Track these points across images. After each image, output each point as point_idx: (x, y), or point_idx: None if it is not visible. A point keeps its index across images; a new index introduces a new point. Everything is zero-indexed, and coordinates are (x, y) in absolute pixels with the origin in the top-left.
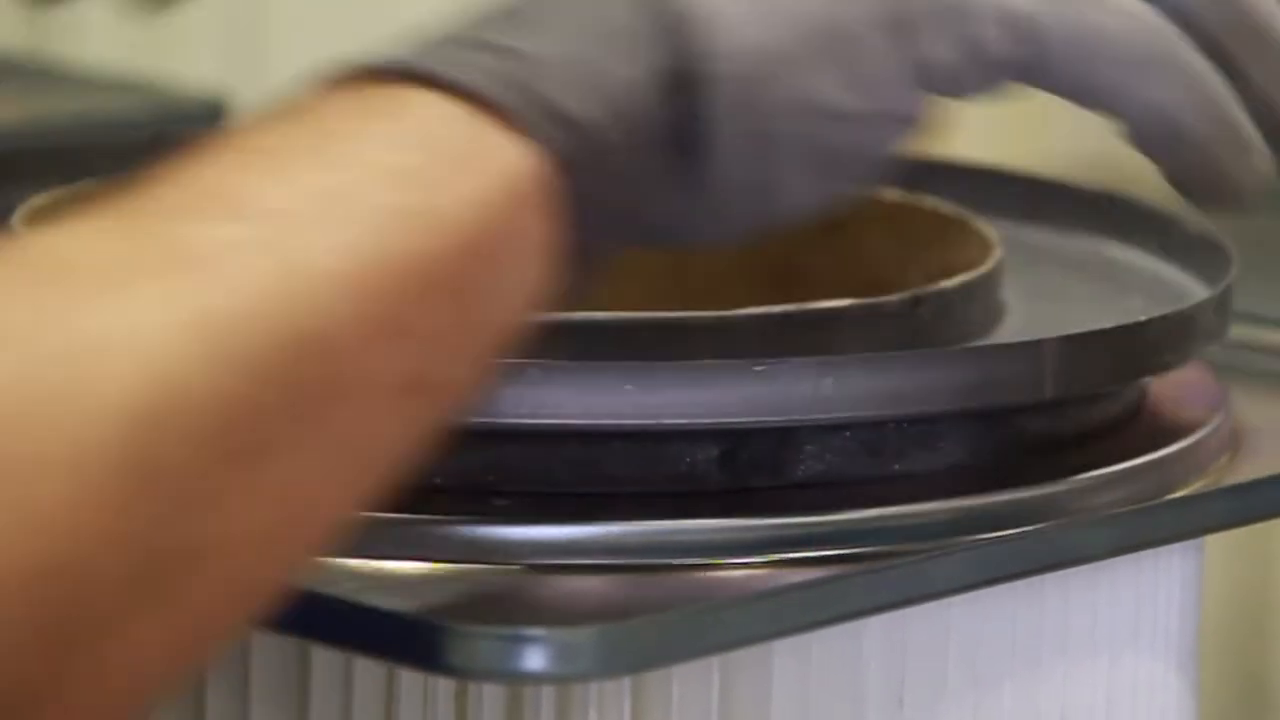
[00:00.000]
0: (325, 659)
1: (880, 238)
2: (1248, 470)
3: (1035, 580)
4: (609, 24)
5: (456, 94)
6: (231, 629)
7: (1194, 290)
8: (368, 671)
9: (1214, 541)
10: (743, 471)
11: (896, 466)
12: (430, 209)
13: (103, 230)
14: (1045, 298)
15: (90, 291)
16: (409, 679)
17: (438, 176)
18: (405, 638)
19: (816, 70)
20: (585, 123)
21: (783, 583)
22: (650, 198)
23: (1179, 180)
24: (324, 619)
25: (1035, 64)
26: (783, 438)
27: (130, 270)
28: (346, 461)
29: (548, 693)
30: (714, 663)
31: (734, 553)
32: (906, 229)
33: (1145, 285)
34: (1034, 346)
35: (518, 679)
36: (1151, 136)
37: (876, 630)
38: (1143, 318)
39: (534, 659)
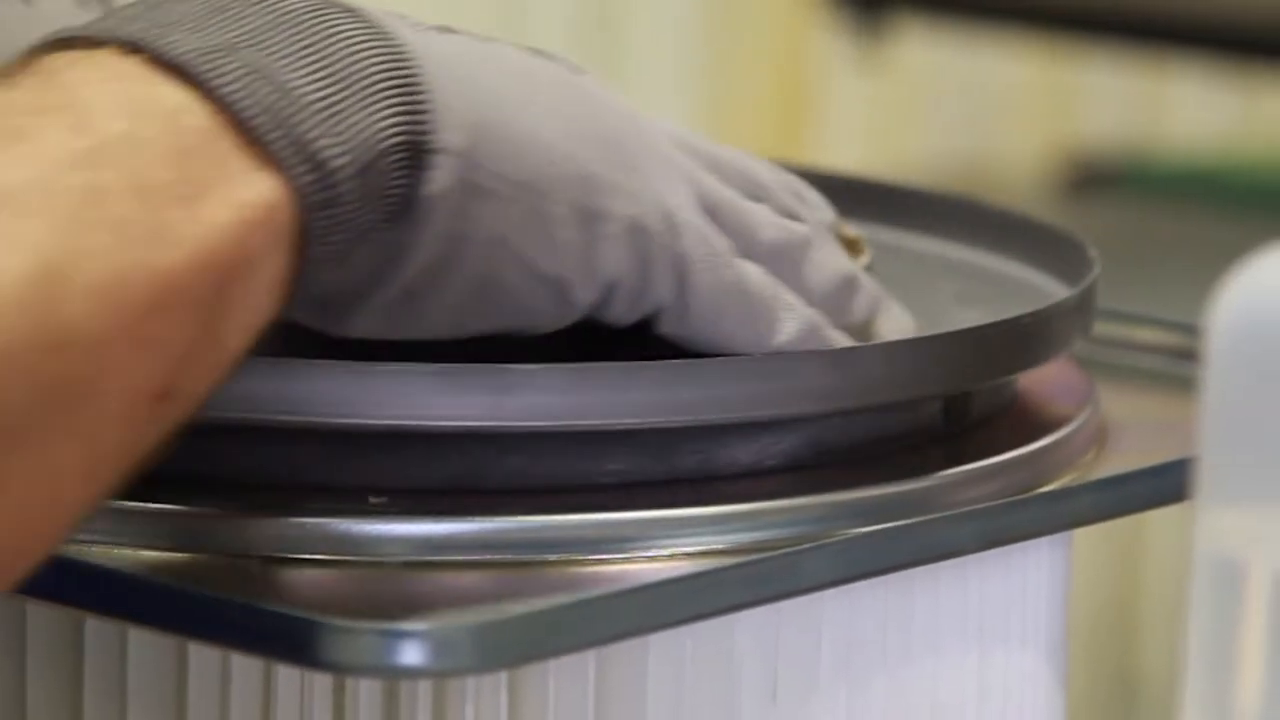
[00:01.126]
0: (202, 656)
1: None
2: (1115, 464)
3: (906, 574)
4: (360, 72)
5: (221, 109)
6: None
7: (1058, 292)
8: (245, 668)
9: (1083, 537)
10: (617, 468)
11: (769, 461)
12: (177, 227)
13: None
14: (913, 300)
15: None
16: (286, 675)
17: (187, 194)
18: (282, 634)
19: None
20: (331, 168)
21: (657, 577)
22: (350, 261)
23: None
24: (201, 616)
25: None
26: (656, 435)
27: None
28: (92, 458)
29: (425, 688)
30: (590, 656)
31: (609, 548)
32: None
33: (1011, 288)
34: (900, 346)
35: (395, 674)
36: None
37: (750, 624)
38: (1007, 316)
39: (411, 654)
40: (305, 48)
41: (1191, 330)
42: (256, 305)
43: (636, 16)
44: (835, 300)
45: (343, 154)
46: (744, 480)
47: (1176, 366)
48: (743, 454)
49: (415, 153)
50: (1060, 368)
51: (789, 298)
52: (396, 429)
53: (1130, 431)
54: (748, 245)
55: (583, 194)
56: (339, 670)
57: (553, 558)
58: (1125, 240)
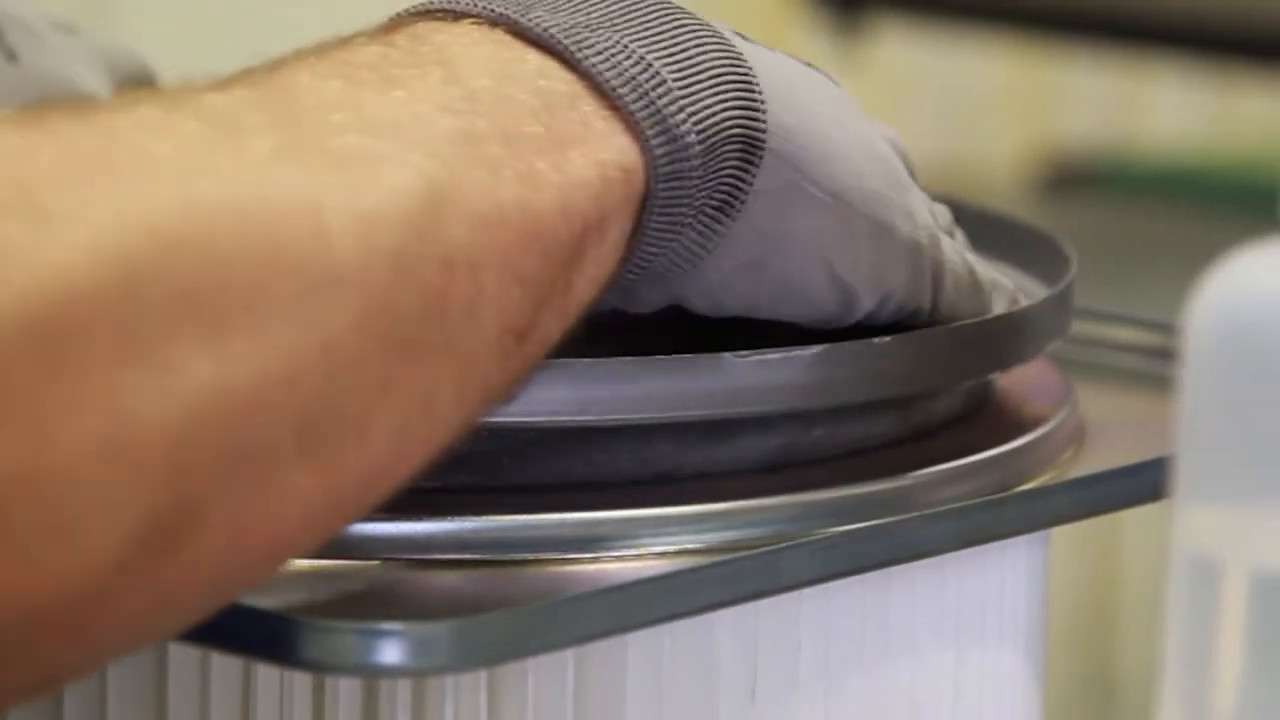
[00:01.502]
0: (182, 655)
1: None
2: (1093, 463)
3: (884, 573)
4: (705, 62)
5: (587, 79)
6: (365, 507)
7: (1037, 292)
8: (224, 667)
9: (1062, 536)
10: (597, 466)
11: (747, 461)
12: (545, 174)
13: (256, 103)
14: None
15: (266, 160)
16: (266, 675)
17: (552, 147)
18: (262, 633)
19: (861, 188)
20: (683, 144)
21: (635, 576)
22: (679, 237)
23: None
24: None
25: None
26: (632, 433)
27: (295, 151)
28: (468, 381)
29: (404, 687)
30: (569, 656)
31: (588, 547)
32: None
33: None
34: (881, 346)
35: (373, 673)
36: None
37: (729, 622)
38: (986, 316)
39: (390, 653)
40: (657, 34)
41: (1169, 330)
42: (604, 261)
43: None
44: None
45: (693, 132)
46: (722, 480)
47: (1154, 366)
48: (721, 453)
49: (749, 147)
50: (1038, 367)
51: (995, 275)
52: None
53: (1108, 431)
54: (951, 233)
55: (877, 209)
56: (318, 669)
57: (531, 557)
58: (1103, 240)
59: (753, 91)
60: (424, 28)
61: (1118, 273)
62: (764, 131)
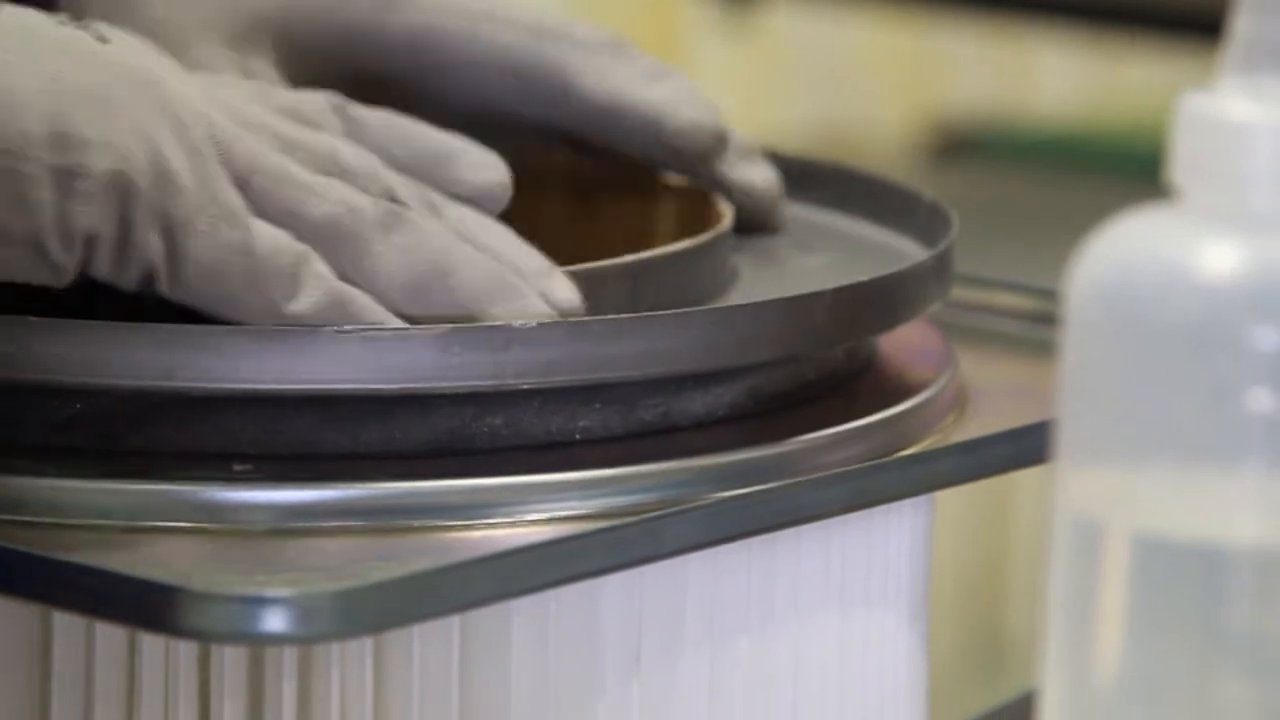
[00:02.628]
0: (66, 623)
1: (614, 208)
2: (975, 428)
3: (769, 536)
4: None
5: None
6: None
7: (919, 255)
8: (109, 636)
9: (951, 499)
10: (470, 432)
11: (634, 425)
12: None
13: None
14: (775, 264)
15: None
16: (150, 642)
17: None
18: (146, 601)
19: None
20: None
21: (520, 542)
22: None
23: None
24: (64, 583)
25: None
26: (514, 399)
27: None
28: None
29: (290, 654)
30: (454, 622)
31: (472, 513)
32: (643, 199)
33: (873, 252)
34: (760, 308)
35: (258, 640)
36: None
37: (614, 588)
38: (865, 278)
39: (274, 621)
40: None
41: (1051, 295)
42: None
43: None
44: (420, 285)
45: None
46: (605, 445)
47: (1037, 331)
48: (609, 418)
49: None
50: (919, 332)
51: (319, 268)
52: (254, 393)
53: (990, 395)
54: (287, 217)
55: (57, 151)
56: (203, 638)
57: (416, 524)
58: (987, 206)
59: None
60: None
61: (1002, 238)
62: None
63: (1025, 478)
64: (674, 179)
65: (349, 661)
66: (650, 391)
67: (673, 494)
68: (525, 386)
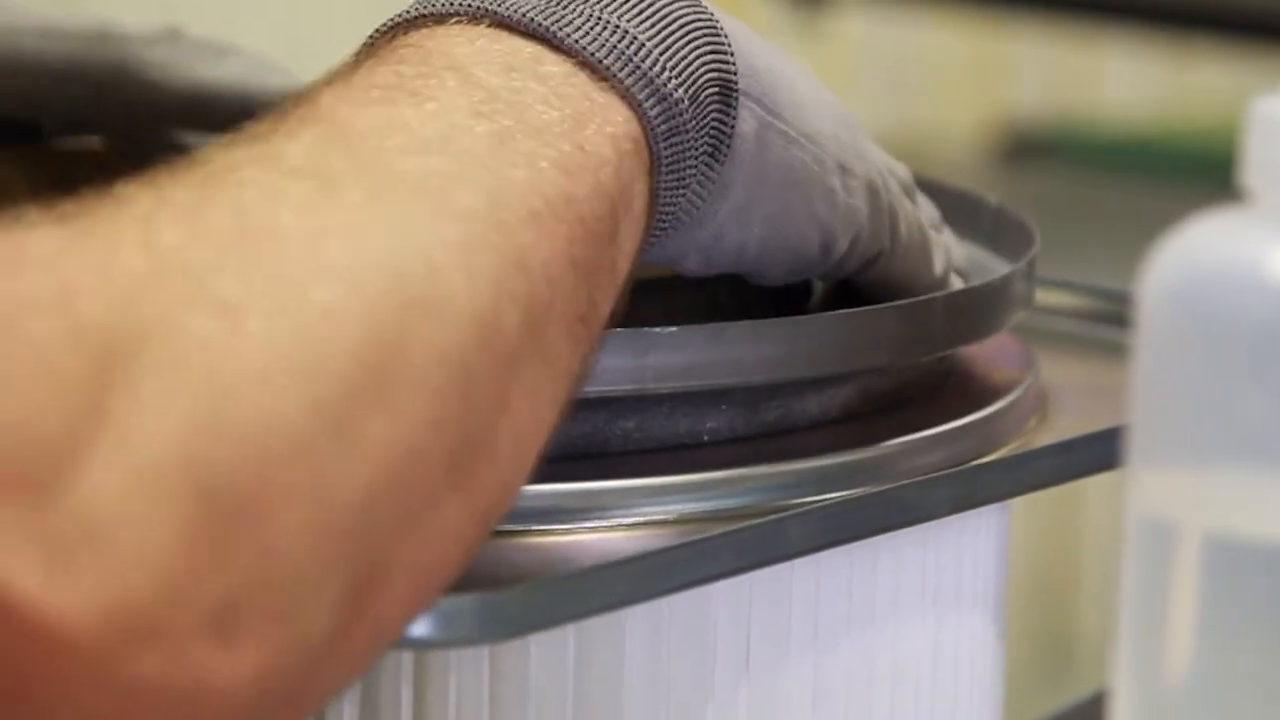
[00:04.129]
0: None
1: None
2: (1064, 429)
3: (870, 540)
4: (674, 14)
5: (574, 57)
6: (495, 524)
7: (995, 265)
8: None
9: (1020, 502)
10: (602, 436)
11: (756, 426)
12: (574, 158)
13: (323, 148)
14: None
15: (364, 209)
16: None
17: (570, 130)
18: None
19: (826, 129)
20: (672, 101)
21: (655, 546)
22: (686, 191)
23: None
24: None
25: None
26: (646, 402)
27: (361, 191)
28: (556, 378)
29: (407, 659)
30: (569, 627)
31: (588, 516)
32: None
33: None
34: (879, 313)
35: (402, 645)
36: None
37: (724, 591)
38: (959, 289)
39: (417, 625)
40: (629, 1)
41: (1122, 297)
42: (634, 233)
43: None
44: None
45: (679, 88)
46: (721, 447)
47: (1107, 332)
48: (735, 420)
49: (726, 92)
50: (998, 335)
51: (937, 235)
52: None
53: (1068, 397)
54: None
55: (841, 151)
56: None
57: (547, 527)
58: (1057, 209)
59: (720, 37)
60: (416, 36)
61: (1072, 241)
62: (736, 74)
63: (1094, 478)
64: None
65: (465, 667)
66: (773, 393)
67: (777, 496)
68: (664, 390)
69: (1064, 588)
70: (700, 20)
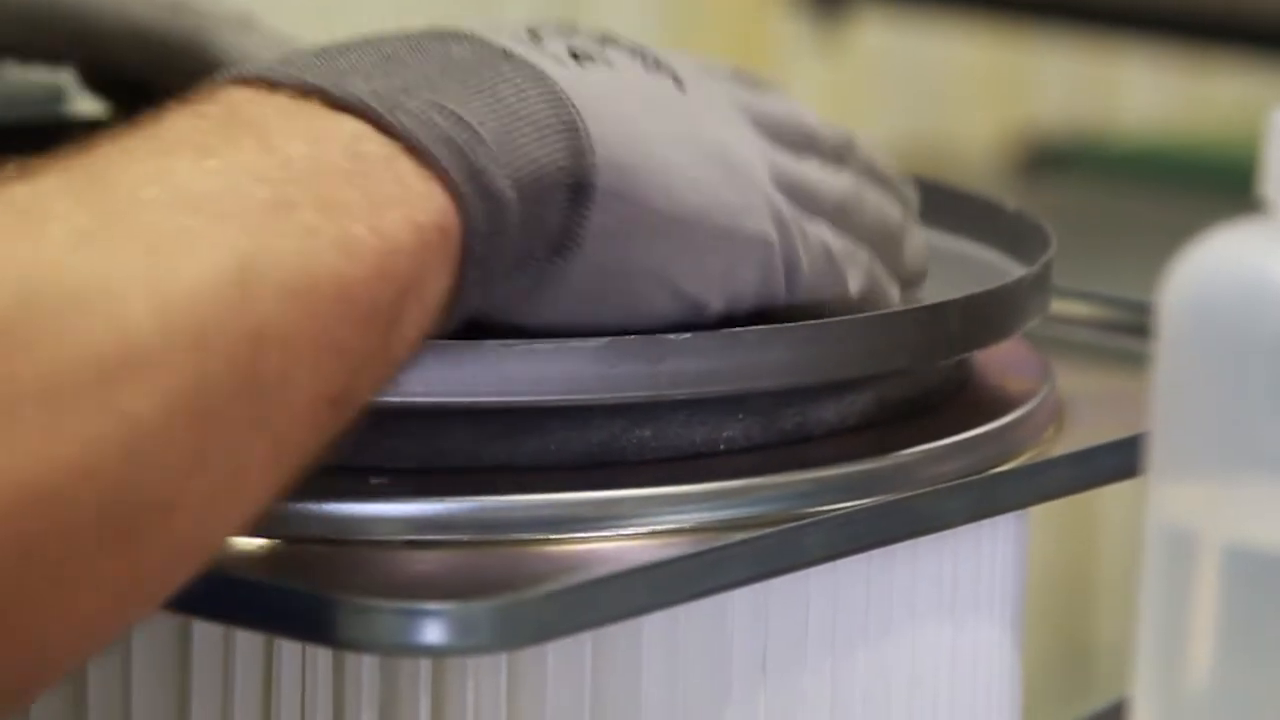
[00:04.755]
0: (204, 632)
1: None
2: (1080, 438)
3: (887, 547)
4: (527, 112)
5: (401, 141)
6: (175, 585)
7: (1012, 270)
8: (247, 646)
9: (1038, 510)
10: (619, 445)
11: (773, 434)
12: (361, 240)
13: (62, 188)
14: None
15: (65, 246)
16: (289, 653)
17: (368, 212)
18: (300, 613)
19: (690, 180)
20: (501, 199)
21: (674, 554)
22: (508, 278)
23: None
24: (239, 598)
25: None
26: (663, 410)
27: (99, 234)
28: (276, 452)
29: (425, 667)
30: (587, 634)
31: (605, 525)
32: None
33: (966, 266)
34: (897, 317)
35: (419, 653)
36: None
37: (741, 598)
38: (982, 289)
39: (433, 633)
40: (475, 90)
41: (1141, 307)
42: (421, 321)
43: (597, 2)
44: (885, 248)
45: (512, 187)
46: (737, 455)
47: (1127, 343)
48: (751, 428)
49: (579, 189)
50: (1013, 345)
51: (858, 252)
52: (410, 407)
53: (1084, 406)
54: (817, 209)
55: (721, 218)
56: (359, 649)
57: (563, 535)
58: (1077, 219)
59: (578, 136)
60: (238, 97)
61: (1091, 251)
62: (593, 173)
63: (1112, 487)
64: None
65: (483, 674)
66: (790, 402)
67: (795, 505)
68: (679, 397)
69: (1082, 596)
70: (558, 119)
